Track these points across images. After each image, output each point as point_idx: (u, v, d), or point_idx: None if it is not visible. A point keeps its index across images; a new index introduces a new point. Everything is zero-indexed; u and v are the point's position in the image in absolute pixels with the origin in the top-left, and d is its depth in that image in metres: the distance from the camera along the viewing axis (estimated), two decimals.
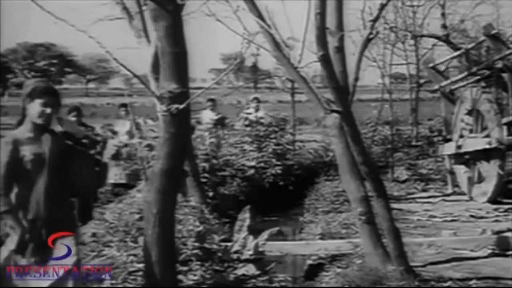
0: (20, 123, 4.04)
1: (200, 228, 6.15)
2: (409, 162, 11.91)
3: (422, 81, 13.79)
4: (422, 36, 13.89)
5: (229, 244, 6.13)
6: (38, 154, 3.97)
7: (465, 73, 9.31)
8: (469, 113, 9.08)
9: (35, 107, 3.95)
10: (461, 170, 9.17)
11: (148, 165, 6.55)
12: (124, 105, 11.07)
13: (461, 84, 9.38)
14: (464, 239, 6.44)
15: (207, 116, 12.52)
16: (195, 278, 5.36)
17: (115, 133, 10.77)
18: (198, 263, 5.59)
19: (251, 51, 5.30)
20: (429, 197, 8.45)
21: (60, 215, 4.00)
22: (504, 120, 8.32)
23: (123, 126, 10.82)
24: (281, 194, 10.63)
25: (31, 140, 3.99)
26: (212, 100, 12.59)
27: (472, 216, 7.87)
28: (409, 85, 14.51)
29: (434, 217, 7.90)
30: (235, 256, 5.97)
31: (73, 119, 8.58)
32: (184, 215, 6.54)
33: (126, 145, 10.50)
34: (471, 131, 9.10)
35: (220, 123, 12.42)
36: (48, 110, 3.97)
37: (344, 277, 5.27)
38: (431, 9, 13.73)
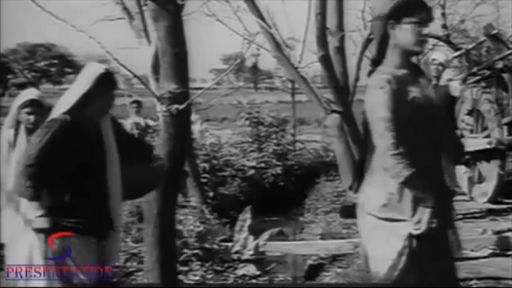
0: (381, 54, 2.95)
1: (201, 229, 6.16)
2: None
3: None
4: None
5: (229, 244, 6.14)
6: (427, 97, 2.93)
7: (465, 73, 9.30)
8: (470, 113, 9.08)
9: (409, 31, 2.87)
10: (461, 170, 9.16)
11: None
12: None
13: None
14: (465, 239, 6.43)
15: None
16: (196, 278, 5.37)
17: None
18: (199, 263, 5.60)
19: (251, 51, 5.31)
20: None
21: None
22: (505, 120, 8.32)
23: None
24: (281, 194, 10.63)
25: (409, 77, 2.93)
26: (137, 102, 10.37)
27: (472, 216, 7.87)
28: None
29: None
30: (235, 256, 5.97)
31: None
32: (184, 215, 6.54)
33: None
34: (471, 131, 9.09)
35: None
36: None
37: (344, 277, 5.27)
38: None
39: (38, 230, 3.48)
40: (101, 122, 3.52)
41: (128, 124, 9.70)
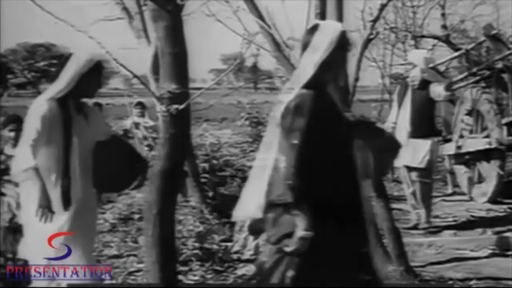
0: None
1: (200, 229, 6.16)
2: None
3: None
4: (422, 36, 13.87)
5: (229, 244, 6.14)
6: None
7: (465, 74, 9.31)
8: (469, 113, 9.08)
9: None
10: (461, 170, 9.17)
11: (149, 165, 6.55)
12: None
13: (461, 84, 9.38)
14: (465, 239, 6.44)
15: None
16: (195, 278, 5.37)
17: None
18: (198, 263, 5.60)
19: (251, 51, 5.30)
20: None
21: None
22: (504, 120, 8.32)
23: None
24: None
25: None
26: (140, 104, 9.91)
27: (472, 216, 7.88)
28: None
29: (435, 217, 7.90)
30: (235, 256, 5.97)
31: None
32: (184, 215, 6.55)
33: None
34: (471, 131, 9.09)
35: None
36: None
37: None
38: (431, 9, 13.71)
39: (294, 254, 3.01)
40: (330, 91, 3.19)
41: (128, 124, 9.71)
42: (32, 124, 3.72)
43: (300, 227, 2.93)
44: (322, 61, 3.04)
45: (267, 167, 3.07)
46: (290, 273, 2.98)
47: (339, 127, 3.12)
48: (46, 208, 3.60)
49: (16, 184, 4.63)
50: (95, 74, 3.92)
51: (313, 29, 3.15)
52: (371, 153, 3.16)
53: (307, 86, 3.04)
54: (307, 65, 3.08)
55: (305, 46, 3.12)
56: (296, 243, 2.95)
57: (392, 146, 3.41)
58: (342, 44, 3.10)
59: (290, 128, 2.98)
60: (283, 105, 3.05)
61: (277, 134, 3.06)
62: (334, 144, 3.07)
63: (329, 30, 3.09)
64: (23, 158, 3.65)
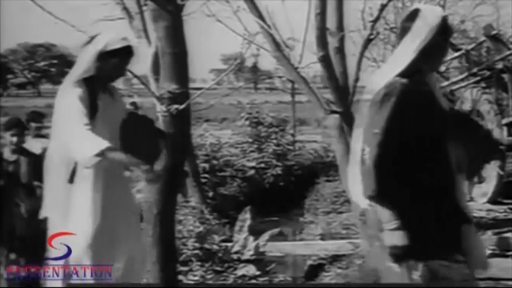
0: None
1: (201, 229, 6.16)
2: None
3: None
4: None
5: (229, 244, 6.14)
6: None
7: (466, 74, 9.30)
8: (469, 113, 9.08)
9: None
10: None
11: None
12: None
13: (461, 84, 9.38)
14: None
15: None
16: (195, 278, 5.37)
17: None
18: (199, 263, 5.60)
19: (251, 51, 5.30)
20: None
21: None
22: (504, 121, 8.32)
23: None
24: (281, 194, 10.63)
25: None
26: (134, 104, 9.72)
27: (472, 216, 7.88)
28: None
29: None
30: (235, 256, 5.97)
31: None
32: (184, 215, 6.55)
33: None
34: None
35: None
36: None
37: (344, 277, 5.27)
38: None
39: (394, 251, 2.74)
40: (430, 81, 2.96)
41: None
42: (74, 109, 3.40)
43: (385, 221, 2.75)
44: (421, 48, 2.87)
45: (356, 158, 2.88)
46: (416, 275, 2.80)
47: (436, 119, 2.88)
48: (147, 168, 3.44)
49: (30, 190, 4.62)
50: (121, 57, 3.58)
51: (414, 14, 2.97)
52: (464, 150, 2.98)
53: (403, 74, 2.86)
54: (405, 51, 2.90)
55: (404, 32, 2.96)
56: (388, 238, 2.76)
57: (488, 145, 3.26)
58: (443, 30, 2.91)
59: (375, 116, 2.80)
60: (372, 94, 2.87)
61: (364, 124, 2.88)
62: (427, 136, 2.86)
63: (431, 15, 2.91)
64: (90, 144, 3.31)
